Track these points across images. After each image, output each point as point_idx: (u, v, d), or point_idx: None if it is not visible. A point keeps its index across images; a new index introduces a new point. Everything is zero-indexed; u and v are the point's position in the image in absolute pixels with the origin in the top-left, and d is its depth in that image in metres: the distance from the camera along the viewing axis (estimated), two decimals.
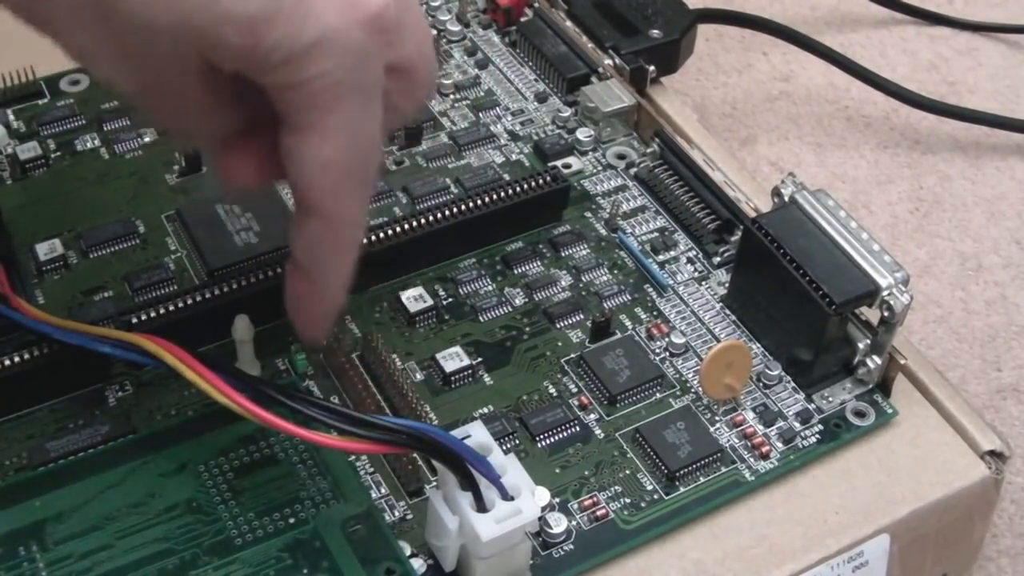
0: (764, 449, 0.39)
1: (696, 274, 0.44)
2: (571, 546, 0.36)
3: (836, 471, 0.39)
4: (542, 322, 0.42)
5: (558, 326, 0.42)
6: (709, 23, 0.58)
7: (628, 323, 0.42)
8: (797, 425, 0.39)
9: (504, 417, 0.39)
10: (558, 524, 0.36)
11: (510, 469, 0.33)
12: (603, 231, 0.45)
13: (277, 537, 0.35)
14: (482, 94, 0.50)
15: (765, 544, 0.37)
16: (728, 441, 0.39)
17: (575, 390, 0.40)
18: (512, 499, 0.33)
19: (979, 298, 0.54)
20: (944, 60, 0.65)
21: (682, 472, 0.38)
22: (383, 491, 0.37)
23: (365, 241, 0.41)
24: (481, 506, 0.32)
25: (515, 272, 0.44)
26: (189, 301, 0.39)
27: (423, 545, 0.35)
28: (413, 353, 0.41)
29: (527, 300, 0.43)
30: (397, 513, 0.36)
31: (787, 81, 0.63)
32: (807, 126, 0.61)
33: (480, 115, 0.49)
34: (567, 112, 0.49)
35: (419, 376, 0.40)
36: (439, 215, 0.42)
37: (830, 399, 0.40)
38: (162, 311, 0.38)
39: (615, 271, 0.44)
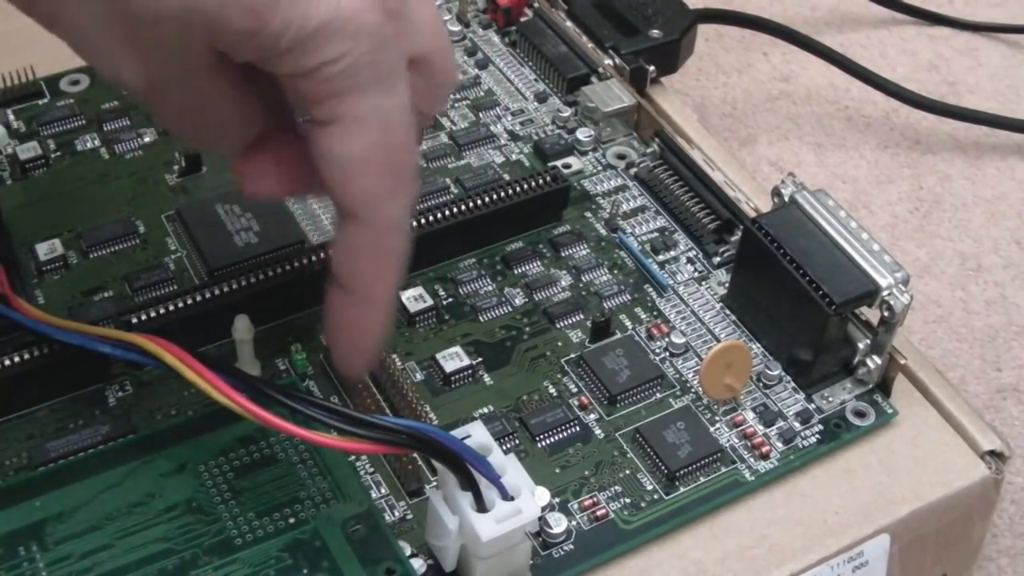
0: (764, 449, 0.39)
1: (696, 274, 0.44)
2: (571, 546, 0.36)
3: (836, 471, 0.39)
4: (542, 322, 0.42)
5: (558, 326, 0.42)
6: (709, 23, 0.58)
7: (628, 323, 0.42)
8: (797, 425, 0.39)
9: (504, 417, 0.39)
10: (558, 524, 0.36)
11: (510, 469, 0.33)
12: (603, 231, 0.45)
13: (277, 537, 0.35)
14: (482, 94, 0.50)
15: (765, 544, 0.37)
16: (728, 441, 0.39)
17: (575, 390, 0.40)
18: (512, 499, 0.33)
19: (979, 298, 0.54)
20: (944, 60, 0.65)
21: (682, 472, 0.38)
22: (383, 491, 0.37)
23: None
24: (481, 506, 0.32)
25: (515, 272, 0.44)
26: (189, 301, 0.39)
27: (423, 545, 0.35)
28: (413, 353, 0.41)
29: (527, 300, 0.43)
30: (397, 513, 0.36)
31: (787, 81, 0.63)
32: (807, 126, 0.61)
33: (480, 115, 0.49)
34: (567, 112, 0.49)
35: (419, 376, 0.40)
36: (439, 215, 0.42)
37: (830, 399, 0.40)
38: (162, 311, 0.38)
39: (615, 271, 0.44)
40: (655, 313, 0.43)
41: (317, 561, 0.34)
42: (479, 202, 0.43)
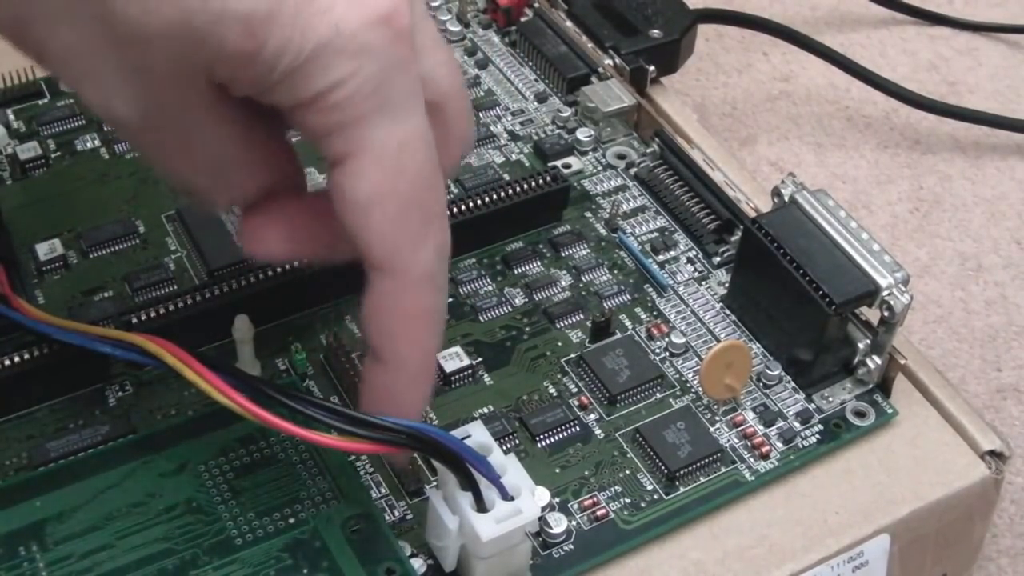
0: (764, 449, 0.39)
1: (696, 274, 0.44)
2: (571, 546, 0.36)
3: (836, 471, 0.39)
4: (542, 322, 0.42)
5: (558, 326, 0.42)
6: (709, 23, 0.58)
7: (628, 323, 0.42)
8: (797, 425, 0.39)
9: (504, 417, 0.39)
10: (558, 524, 0.36)
11: (510, 469, 0.33)
12: (603, 231, 0.45)
13: (277, 537, 0.35)
14: (482, 94, 0.50)
15: (765, 544, 0.37)
16: (728, 441, 0.39)
17: (575, 390, 0.40)
18: (512, 499, 0.33)
19: (979, 298, 0.54)
20: (944, 60, 0.65)
21: (682, 472, 0.38)
22: (383, 491, 0.37)
23: None
24: (481, 506, 0.32)
25: (515, 272, 0.44)
26: (189, 301, 0.39)
27: (423, 545, 0.35)
28: None
29: (527, 300, 0.43)
30: (397, 513, 0.36)
31: (787, 81, 0.63)
32: (807, 126, 0.61)
33: (480, 115, 0.49)
34: (567, 112, 0.49)
35: None
36: None
37: (830, 399, 0.40)
38: (162, 311, 0.38)
39: (615, 271, 0.44)
40: (655, 313, 0.43)
41: (317, 561, 0.34)
42: (479, 202, 0.43)
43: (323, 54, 0.27)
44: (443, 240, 0.30)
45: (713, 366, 0.39)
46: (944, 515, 0.39)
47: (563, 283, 0.43)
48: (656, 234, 0.45)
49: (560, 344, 0.41)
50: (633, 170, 0.47)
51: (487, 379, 0.40)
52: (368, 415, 0.32)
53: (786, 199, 0.41)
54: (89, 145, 0.47)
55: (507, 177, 0.47)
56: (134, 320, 0.38)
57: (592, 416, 0.39)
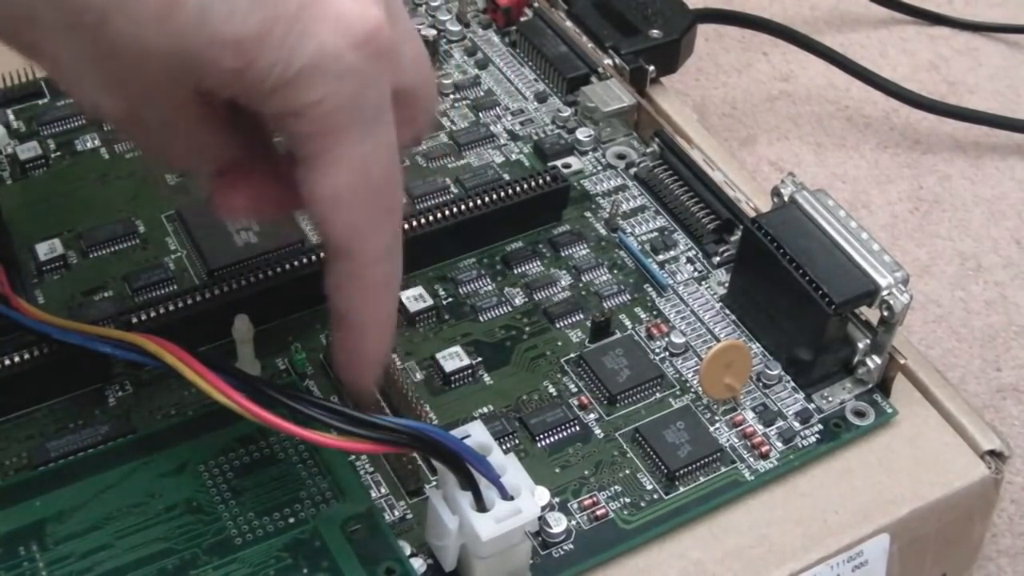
0: (764, 449, 0.39)
1: (696, 274, 0.44)
2: (571, 546, 0.36)
3: (836, 471, 0.39)
4: (542, 322, 0.42)
5: (558, 326, 0.42)
6: (709, 23, 0.58)
7: (628, 323, 0.42)
8: (797, 425, 0.40)
9: (504, 417, 0.39)
10: (558, 524, 0.36)
11: (510, 469, 0.33)
12: (603, 231, 0.45)
13: (277, 537, 0.35)
14: (482, 94, 0.50)
15: (765, 544, 0.37)
16: (728, 441, 0.39)
17: (575, 390, 0.40)
18: (512, 499, 0.33)
19: (979, 298, 0.54)
20: (944, 60, 0.65)
21: (682, 472, 0.38)
22: (383, 491, 0.37)
23: None
24: (481, 506, 0.33)
25: (515, 272, 0.44)
26: (189, 301, 0.39)
27: (423, 545, 0.35)
28: (413, 353, 0.41)
29: (527, 300, 0.43)
30: (397, 513, 0.36)
31: (787, 81, 0.63)
32: (807, 126, 0.61)
33: (480, 115, 0.49)
34: (567, 112, 0.49)
35: (419, 376, 0.40)
36: (439, 215, 0.42)
37: (830, 399, 0.40)
38: (162, 311, 0.38)
39: (615, 271, 0.44)
40: (655, 313, 0.43)
41: (317, 561, 0.34)
42: (479, 202, 0.43)
43: (308, 74, 0.28)
44: (397, 225, 0.33)
45: (713, 366, 0.39)
46: (944, 515, 0.39)
47: (563, 283, 0.43)
48: (656, 234, 0.45)
49: (560, 344, 0.41)
50: (633, 170, 0.47)
51: (487, 379, 0.40)
52: (368, 415, 0.32)
53: (786, 199, 0.41)
54: (89, 145, 0.47)
55: (507, 177, 0.47)
56: (134, 320, 0.38)
57: (592, 416, 0.39)
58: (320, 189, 0.30)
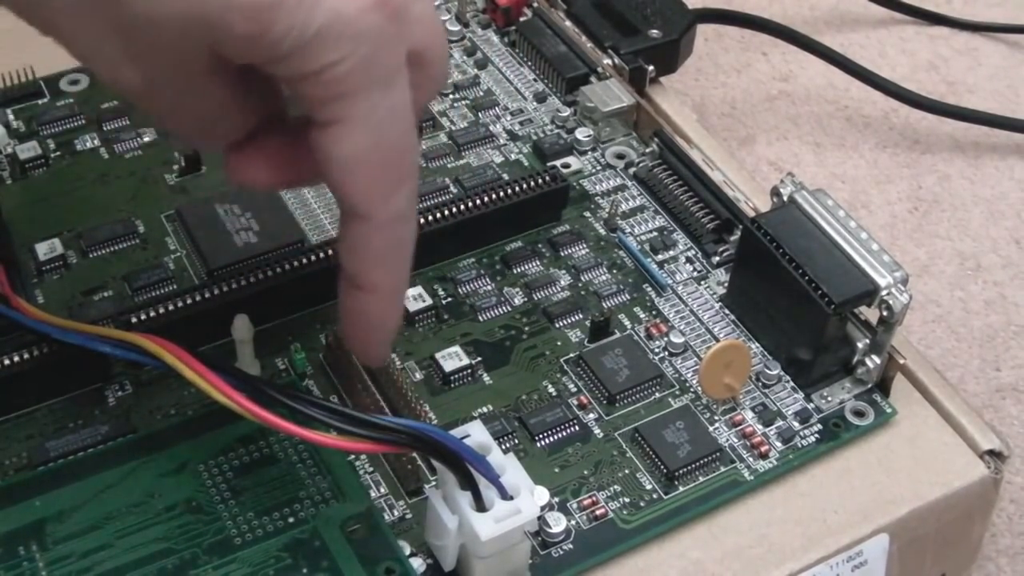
0: (763, 449, 0.39)
1: (695, 274, 0.44)
2: (570, 545, 0.36)
3: (835, 471, 0.39)
4: (541, 322, 0.42)
5: (557, 326, 0.42)
6: (709, 23, 0.58)
7: (627, 323, 0.42)
8: (796, 425, 0.40)
9: (503, 417, 0.39)
10: (557, 523, 0.36)
11: (509, 469, 0.33)
12: (602, 231, 0.45)
13: (277, 537, 0.35)
14: (481, 94, 0.50)
15: (764, 544, 0.37)
16: (727, 441, 0.39)
17: (574, 390, 0.40)
18: (511, 498, 0.33)
19: (978, 298, 0.54)
20: (944, 60, 0.65)
21: (681, 472, 0.38)
22: (383, 491, 0.37)
23: None
24: (480, 506, 0.33)
25: (514, 272, 0.44)
26: (189, 301, 0.39)
27: (423, 544, 0.35)
28: (412, 353, 0.41)
29: (526, 300, 0.43)
30: (397, 513, 0.36)
31: (786, 81, 0.63)
32: (806, 126, 0.61)
33: (479, 115, 0.49)
34: (566, 112, 0.49)
35: (418, 376, 0.40)
36: (438, 215, 0.42)
37: (829, 399, 0.40)
38: (162, 311, 0.38)
39: (614, 271, 0.44)
40: (654, 313, 0.43)
41: (317, 561, 0.34)
42: (478, 202, 0.43)
43: (324, 37, 0.28)
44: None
45: (712, 365, 0.39)
46: (943, 515, 0.39)
47: (562, 283, 0.43)
48: (655, 234, 0.45)
49: (559, 344, 0.41)
50: (632, 170, 0.47)
51: (486, 379, 0.40)
52: (368, 415, 0.32)
53: (785, 199, 0.41)
54: (89, 145, 0.47)
55: (506, 177, 0.47)
56: (134, 320, 0.38)
57: (591, 416, 0.39)
58: (337, 151, 0.30)
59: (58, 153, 0.46)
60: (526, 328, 0.42)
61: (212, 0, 0.27)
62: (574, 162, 0.47)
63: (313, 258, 0.40)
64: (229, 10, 0.27)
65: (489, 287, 0.43)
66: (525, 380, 0.40)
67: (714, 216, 0.45)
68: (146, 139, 0.47)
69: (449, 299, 0.42)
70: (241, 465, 0.37)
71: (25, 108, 0.48)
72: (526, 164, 0.47)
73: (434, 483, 0.36)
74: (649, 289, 0.43)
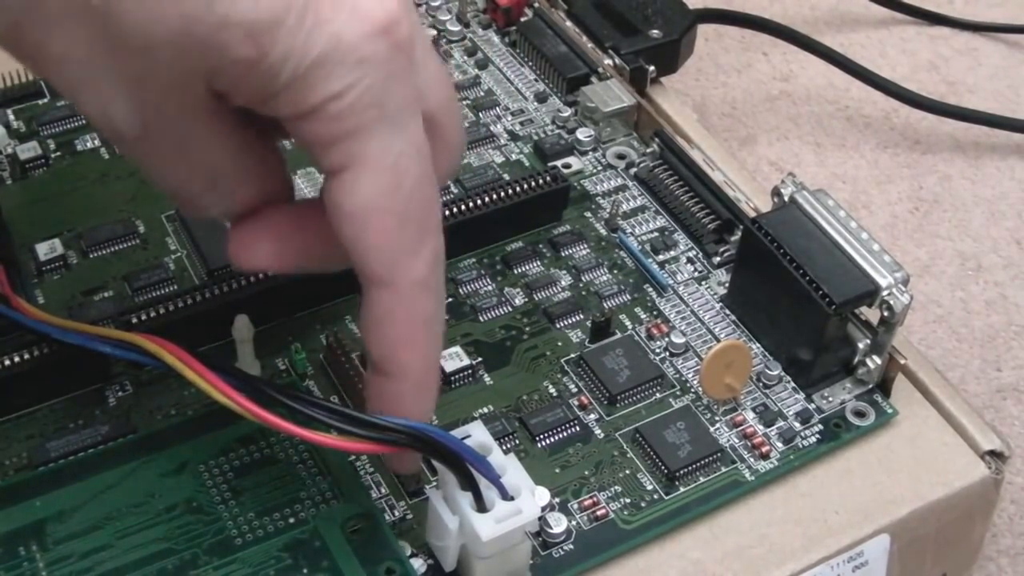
0: (764, 449, 0.39)
1: (696, 274, 0.44)
2: (571, 546, 0.36)
3: (836, 471, 0.39)
4: (542, 322, 0.42)
5: (558, 326, 0.42)
6: (709, 23, 0.58)
7: (628, 323, 0.42)
8: (797, 425, 0.40)
9: (504, 417, 0.39)
10: (558, 524, 0.36)
11: (510, 469, 0.33)
12: (603, 231, 0.45)
13: (277, 537, 0.35)
14: (482, 94, 0.50)
15: (765, 544, 0.37)
16: (728, 441, 0.39)
17: (575, 390, 0.40)
18: (512, 499, 0.33)
19: (979, 298, 0.54)
20: (944, 60, 0.65)
21: (682, 472, 0.38)
22: (383, 491, 0.37)
23: None
24: (481, 506, 0.33)
25: (515, 272, 0.44)
26: (189, 301, 0.39)
27: (423, 545, 0.35)
28: None
29: (527, 300, 0.43)
30: (397, 513, 0.36)
31: (787, 81, 0.63)
32: (807, 126, 0.61)
33: (480, 115, 0.49)
34: (567, 112, 0.49)
35: None
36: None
37: (830, 399, 0.40)
38: (162, 311, 0.38)
39: (615, 271, 0.44)
40: (655, 313, 0.43)
41: (317, 561, 0.34)
42: (479, 202, 0.43)
43: (324, 64, 0.27)
44: (438, 247, 0.30)
45: (713, 366, 0.39)
46: (944, 515, 0.39)
47: (563, 283, 0.43)
48: (656, 234, 0.45)
49: (560, 344, 0.41)
50: (633, 170, 0.47)
51: (487, 379, 0.40)
52: (368, 415, 0.32)
53: (786, 199, 0.41)
54: (89, 145, 0.47)
55: (507, 177, 0.47)
56: (134, 320, 0.38)
57: (592, 416, 0.39)
58: (348, 201, 0.28)
59: (58, 153, 0.46)
60: (527, 328, 0.42)
61: (207, 14, 0.26)
62: (575, 162, 0.47)
63: None
64: (226, 27, 0.26)
65: (490, 287, 0.43)
66: (526, 380, 0.40)
67: (715, 216, 0.45)
68: None
69: (450, 299, 0.42)
70: (241, 465, 0.37)
71: (25, 108, 0.48)
72: (527, 164, 0.47)
73: (435, 483, 0.36)
74: (650, 289, 0.43)
